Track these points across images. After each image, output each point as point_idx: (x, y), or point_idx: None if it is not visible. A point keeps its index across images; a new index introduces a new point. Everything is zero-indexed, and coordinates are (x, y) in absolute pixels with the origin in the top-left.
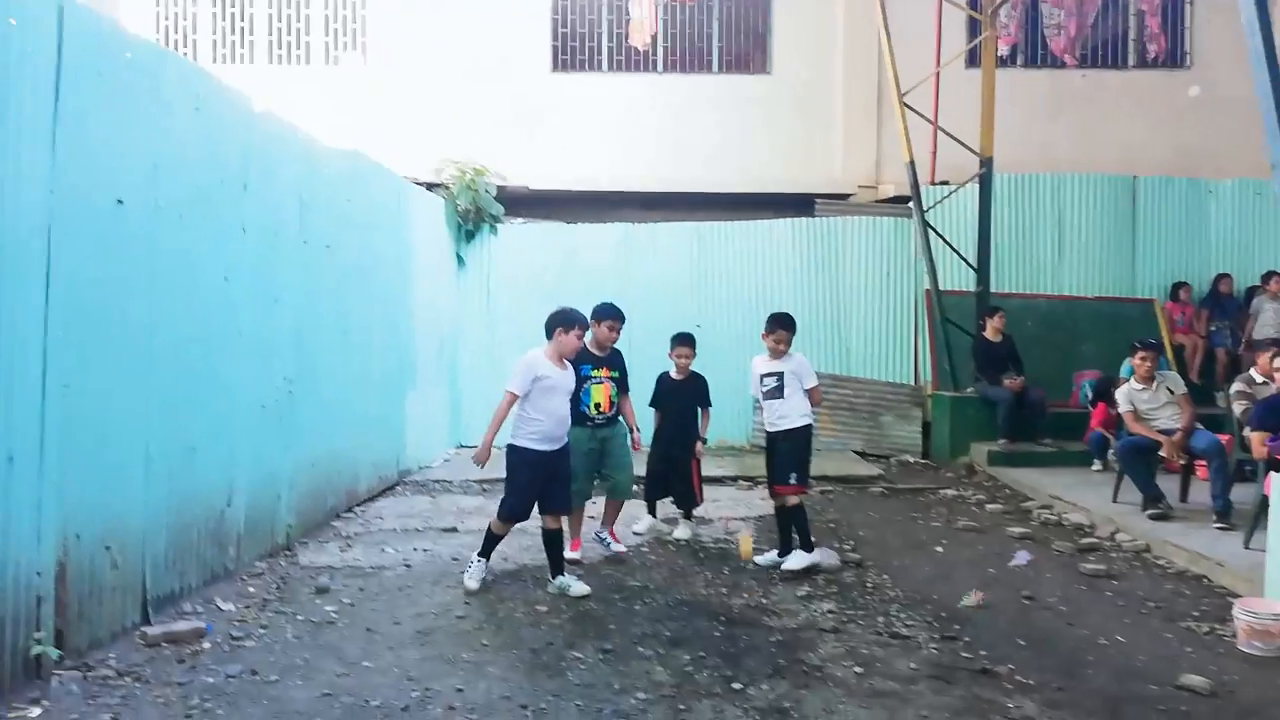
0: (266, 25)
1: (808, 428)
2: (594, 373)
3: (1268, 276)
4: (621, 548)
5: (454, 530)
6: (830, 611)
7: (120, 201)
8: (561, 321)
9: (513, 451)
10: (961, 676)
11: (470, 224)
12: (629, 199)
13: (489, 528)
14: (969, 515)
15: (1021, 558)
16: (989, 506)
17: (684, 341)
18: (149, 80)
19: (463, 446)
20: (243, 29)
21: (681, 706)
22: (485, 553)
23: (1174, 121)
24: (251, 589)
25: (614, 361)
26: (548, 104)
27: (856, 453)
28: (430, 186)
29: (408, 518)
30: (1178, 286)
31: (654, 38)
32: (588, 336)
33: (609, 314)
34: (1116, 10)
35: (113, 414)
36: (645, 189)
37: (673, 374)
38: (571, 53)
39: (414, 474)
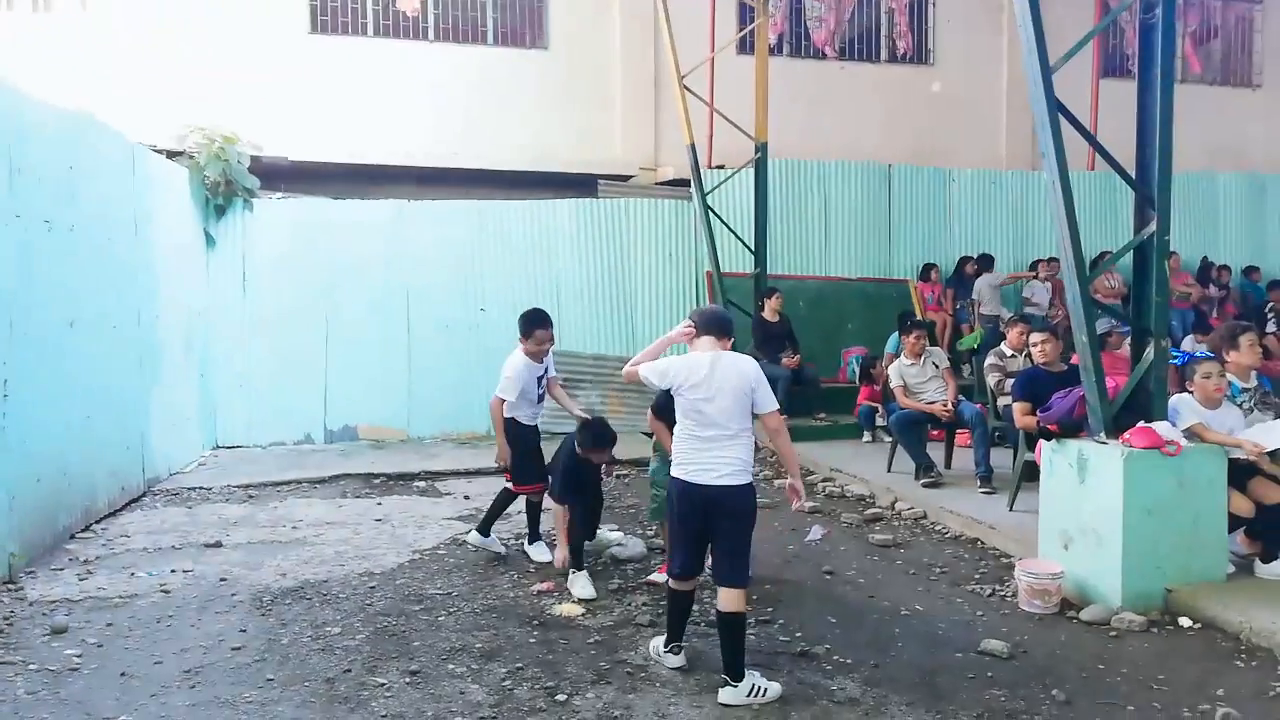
0: None
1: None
2: None
3: (1036, 264)
4: None
5: (218, 545)
6: (644, 604)
7: None
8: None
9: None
10: (783, 661)
11: (220, 198)
12: (400, 174)
13: (738, 620)
14: (760, 493)
15: (816, 532)
16: (776, 482)
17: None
18: None
19: (220, 447)
20: None
21: None
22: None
23: (919, 114)
24: None
25: None
26: (306, 68)
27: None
28: (172, 155)
29: (159, 534)
30: (928, 268)
31: (424, 3)
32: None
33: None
34: (870, 6)
35: None
36: (418, 163)
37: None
38: (332, 13)
39: (164, 481)
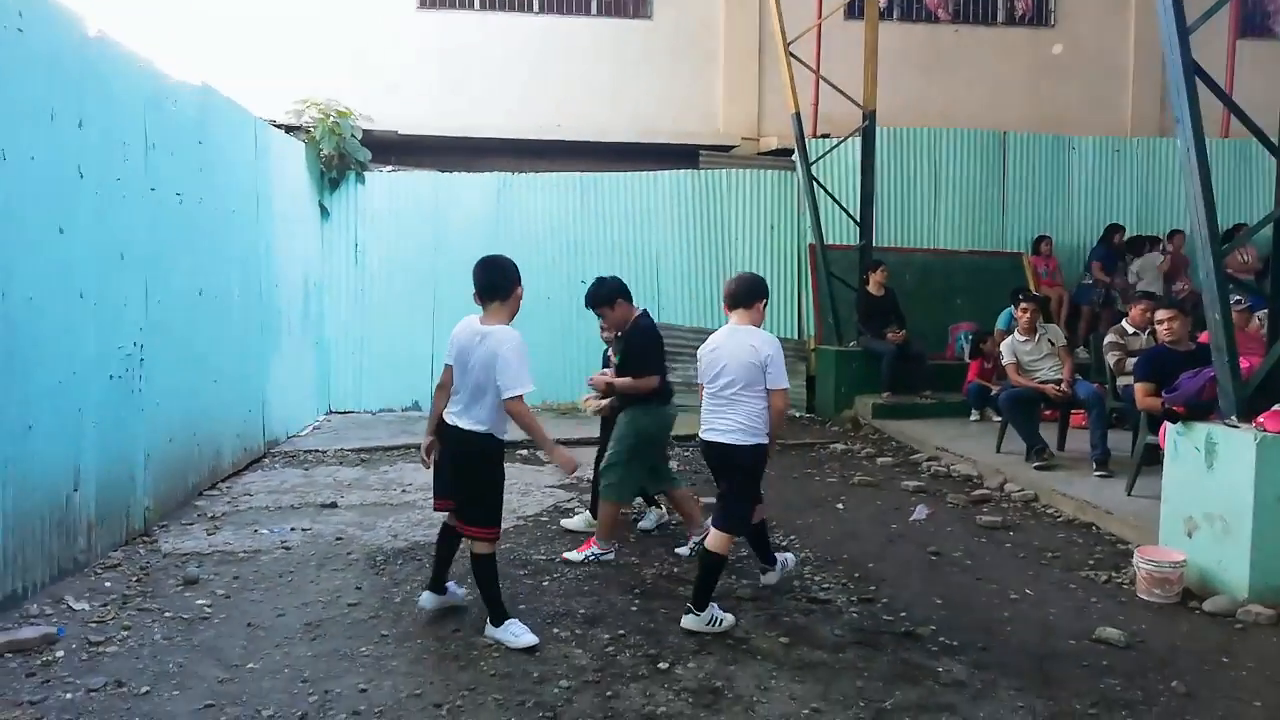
0: None
1: None
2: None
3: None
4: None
5: (333, 505)
6: (746, 581)
7: None
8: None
9: (760, 451)
10: (886, 641)
11: (334, 171)
12: (502, 146)
13: (714, 559)
14: (862, 470)
15: (920, 512)
16: (879, 460)
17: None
18: None
19: (333, 412)
20: None
21: (609, 693)
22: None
23: (1038, 78)
24: (108, 583)
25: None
26: (414, 44)
27: None
28: (289, 130)
29: (280, 493)
30: (1039, 240)
31: None
32: None
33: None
34: None
35: None
36: (521, 136)
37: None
38: None
39: (282, 444)
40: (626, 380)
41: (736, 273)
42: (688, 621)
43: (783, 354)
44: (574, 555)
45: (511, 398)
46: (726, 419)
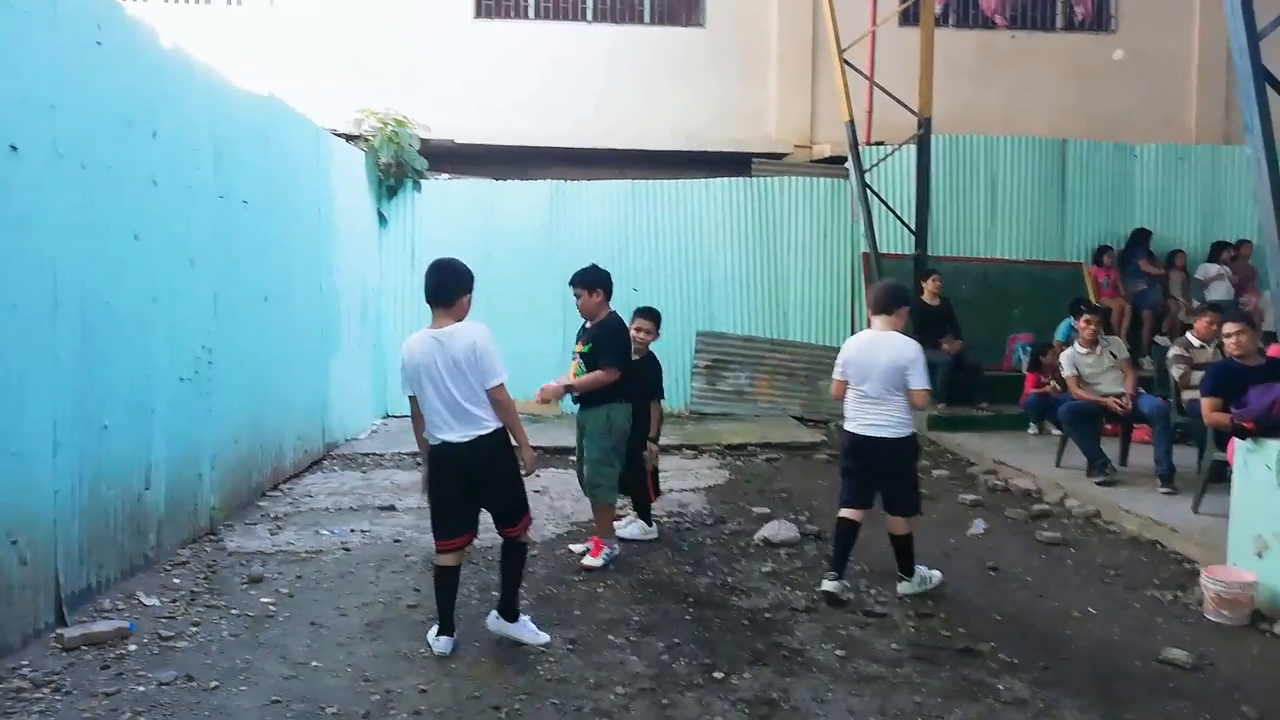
0: None
1: None
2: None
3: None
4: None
5: (391, 509)
6: (800, 591)
7: (14, 148)
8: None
9: (915, 440)
10: (945, 657)
11: (392, 179)
12: (555, 154)
13: (904, 540)
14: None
15: (978, 526)
16: (935, 472)
17: (645, 315)
18: (43, 6)
19: (390, 416)
20: None
21: (665, 701)
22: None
23: (1099, 85)
24: (176, 580)
25: (591, 334)
26: (470, 53)
27: (795, 418)
28: (349, 139)
29: (339, 495)
30: (1101, 250)
31: None
32: None
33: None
34: None
35: (12, 393)
36: (575, 144)
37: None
38: None
39: (341, 447)
40: (586, 378)
41: (878, 281)
42: (903, 588)
43: (924, 357)
44: (593, 561)
45: (495, 385)
46: (883, 416)
